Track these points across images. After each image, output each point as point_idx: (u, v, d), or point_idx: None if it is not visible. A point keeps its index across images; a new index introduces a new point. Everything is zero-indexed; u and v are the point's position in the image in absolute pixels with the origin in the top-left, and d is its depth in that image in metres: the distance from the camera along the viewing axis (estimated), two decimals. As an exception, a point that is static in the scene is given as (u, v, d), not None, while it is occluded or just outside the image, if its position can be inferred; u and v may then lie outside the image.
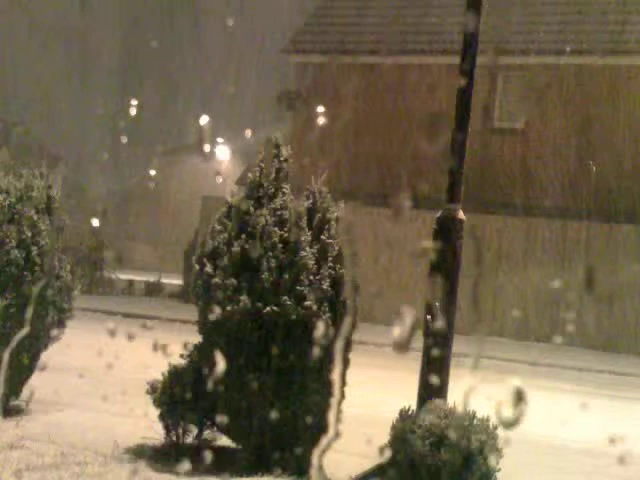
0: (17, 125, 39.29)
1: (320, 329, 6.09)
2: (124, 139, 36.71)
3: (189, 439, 6.59)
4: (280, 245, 6.26)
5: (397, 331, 1.89)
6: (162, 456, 6.31)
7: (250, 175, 6.62)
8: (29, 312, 7.07)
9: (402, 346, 1.90)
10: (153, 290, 25.66)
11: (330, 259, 6.34)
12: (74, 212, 8.08)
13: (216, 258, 6.34)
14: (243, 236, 6.30)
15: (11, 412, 7.26)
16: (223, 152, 35.68)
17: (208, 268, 6.30)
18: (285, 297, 6.11)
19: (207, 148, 2.63)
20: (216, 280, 6.21)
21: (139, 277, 26.86)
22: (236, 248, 6.25)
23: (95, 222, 31.20)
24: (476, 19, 6.97)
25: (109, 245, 29.24)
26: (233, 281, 6.17)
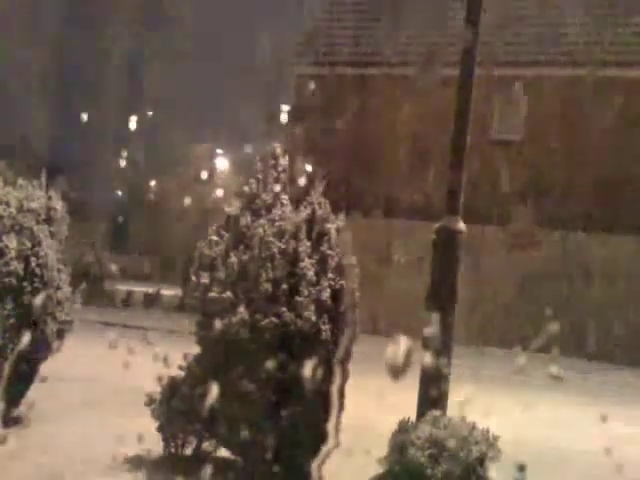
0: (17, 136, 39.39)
1: (319, 340, 6.10)
2: (125, 152, 36.71)
3: (188, 450, 6.57)
4: (279, 256, 6.23)
5: (391, 358, 1.89)
6: (161, 467, 6.29)
7: (247, 186, 6.61)
8: (28, 323, 7.04)
9: (397, 372, 1.90)
10: (152, 301, 25.58)
11: (330, 270, 6.32)
12: (74, 223, 8.05)
13: (213, 270, 6.31)
14: (240, 247, 6.28)
15: (10, 422, 7.23)
16: (223, 164, 35.70)
17: (205, 280, 6.28)
18: (284, 308, 6.08)
19: (204, 175, 2.64)
20: (213, 293, 6.18)
21: (138, 288, 26.79)
22: (233, 259, 6.22)
23: (95, 234, 31.19)
24: (474, 32, 6.99)
25: (108, 256, 29.21)
26: (229, 294, 6.13)
